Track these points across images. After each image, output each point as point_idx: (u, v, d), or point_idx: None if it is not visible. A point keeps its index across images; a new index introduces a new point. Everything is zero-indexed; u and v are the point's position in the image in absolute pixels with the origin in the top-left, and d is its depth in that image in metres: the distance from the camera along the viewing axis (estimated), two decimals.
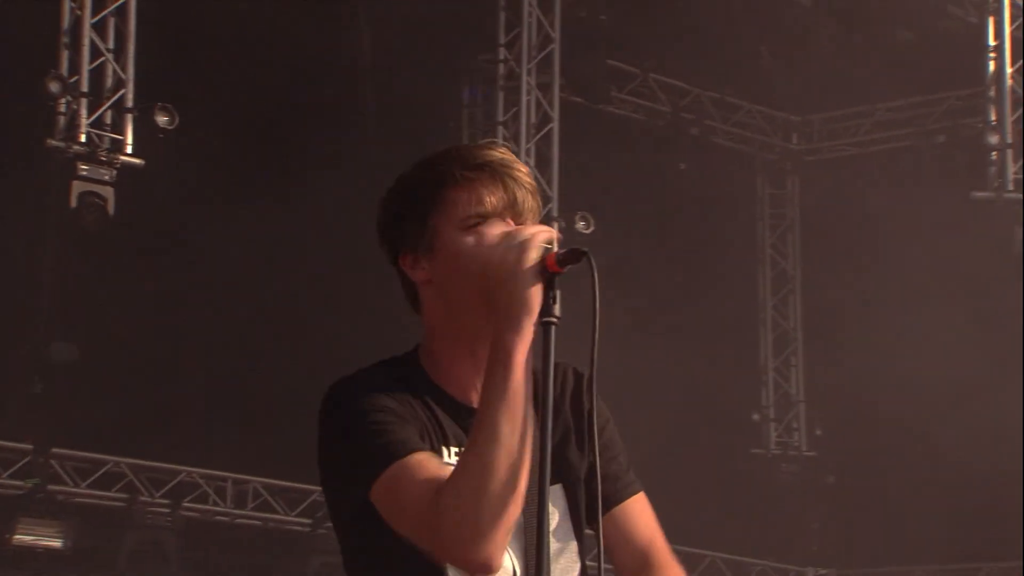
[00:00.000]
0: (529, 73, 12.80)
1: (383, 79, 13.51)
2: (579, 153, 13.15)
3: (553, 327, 2.44)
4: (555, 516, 2.59)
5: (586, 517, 2.61)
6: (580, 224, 12.13)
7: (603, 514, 2.47)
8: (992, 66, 12.72)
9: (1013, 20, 12.76)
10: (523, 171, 2.61)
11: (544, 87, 13.03)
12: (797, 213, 16.27)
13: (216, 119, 12.23)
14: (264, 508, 14.05)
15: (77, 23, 11.19)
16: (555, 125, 12.81)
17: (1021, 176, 12.22)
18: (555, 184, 12.50)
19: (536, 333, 2.43)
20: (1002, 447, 12.76)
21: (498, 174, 2.58)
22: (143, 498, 13.02)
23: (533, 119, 12.78)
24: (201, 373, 13.32)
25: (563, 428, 2.64)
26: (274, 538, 14.27)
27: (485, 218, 2.56)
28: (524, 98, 12.74)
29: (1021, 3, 12.90)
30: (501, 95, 13.00)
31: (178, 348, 13.22)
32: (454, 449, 2.55)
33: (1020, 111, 12.39)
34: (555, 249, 2.45)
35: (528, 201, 2.60)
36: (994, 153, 11.90)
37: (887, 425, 14.23)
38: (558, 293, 2.46)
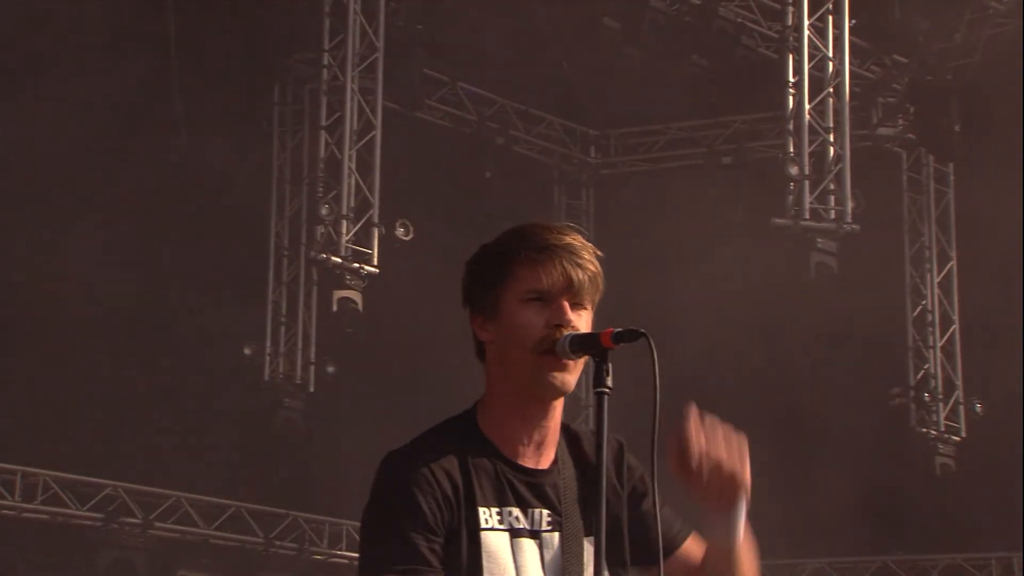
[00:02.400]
0: (353, 80, 12.97)
1: (195, 80, 13.50)
2: (397, 159, 13.39)
3: (606, 397, 2.77)
4: (588, 566, 2.91)
5: (631, 562, 2.94)
6: (400, 231, 12.41)
7: (664, 559, 2.82)
8: (792, 101, 13.43)
9: (811, 58, 13.48)
10: (587, 257, 2.92)
11: (366, 92, 13.23)
12: (592, 224, 16.82)
13: None
14: (54, 502, 13.91)
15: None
16: (378, 133, 13.03)
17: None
18: (376, 191, 12.72)
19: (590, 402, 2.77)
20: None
21: (559, 258, 2.89)
22: None
23: (355, 125, 12.96)
24: None
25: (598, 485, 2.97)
26: (64, 533, 14.13)
27: (541, 295, 2.87)
28: (348, 104, 12.92)
29: (820, 42, 13.63)
30: (324, 100, 13.14)
31: None
32: (494, 509, 2.85)
33: (815, 144, 13.12)
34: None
35: (586, 285, 2.90)
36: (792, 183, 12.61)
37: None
38: (610, 367, 2.79)
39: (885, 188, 15.78)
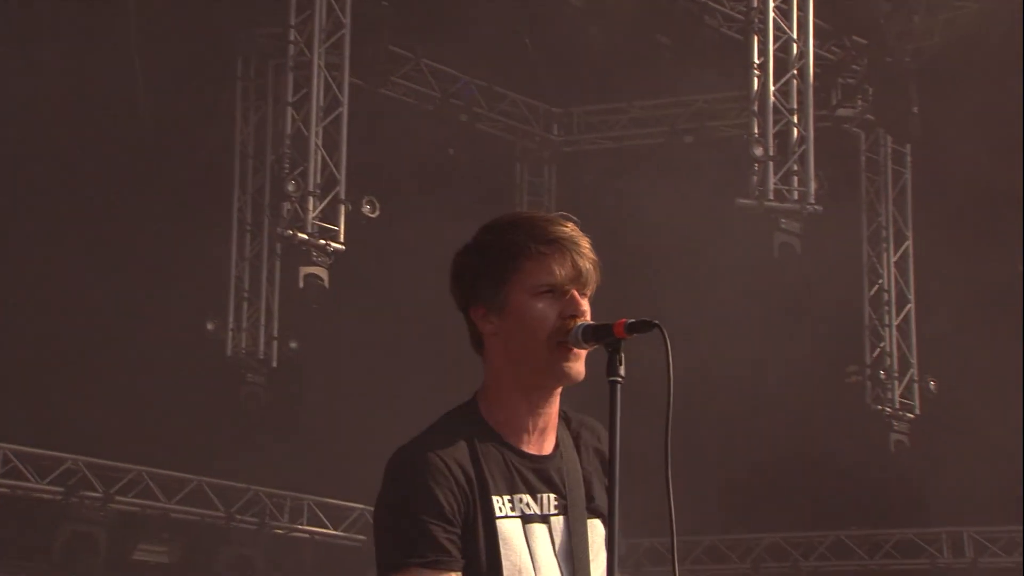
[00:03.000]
0: (320, 56, 12.96)
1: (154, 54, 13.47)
2: (363, 135, 13.41)
3: (619, 385, 2.85)
4: (599, 546, 2.99)
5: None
6: (366, 208, 12.43)
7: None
8: (756, 82, 13.53)
9: (776, 40, 13.59)
10: (587, 247, 2.99)
11: (333, 68, 13.22)
12: (553, 201, 16.90)
13: None
14: (14, 475, 13.88)
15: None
16: (344, 109, 13.03)
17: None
18: (343, 168, 12.73)
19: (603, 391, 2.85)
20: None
21: (567, 250, 2.95)
22: None
23: (322, 102, 12.95)
24: None
25: (595, 471, 3.06)
26: (24, 507, 14.10)
27: (553, 288, 2.94)
28: (315, 81, 12.92)
29: (786, 23, 13.72)
30: (291, 76, 13.13)
31: None
32: (506, 497, 2.93)
33: (780, 125, 13.23)
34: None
35: (591, 274, 2.98)
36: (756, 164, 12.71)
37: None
38: (623, 356, 2.87)
39: (844, 169, 15.94)
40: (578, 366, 2.94)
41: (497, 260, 2.95)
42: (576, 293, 2.94)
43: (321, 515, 15.36)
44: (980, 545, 16.07)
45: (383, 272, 13.89)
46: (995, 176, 15.61)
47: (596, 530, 3.00)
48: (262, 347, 14.94)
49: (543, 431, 3.00)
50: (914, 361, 16.28)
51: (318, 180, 12.71)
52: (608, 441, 2.86)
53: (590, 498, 3.00)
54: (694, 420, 14.18)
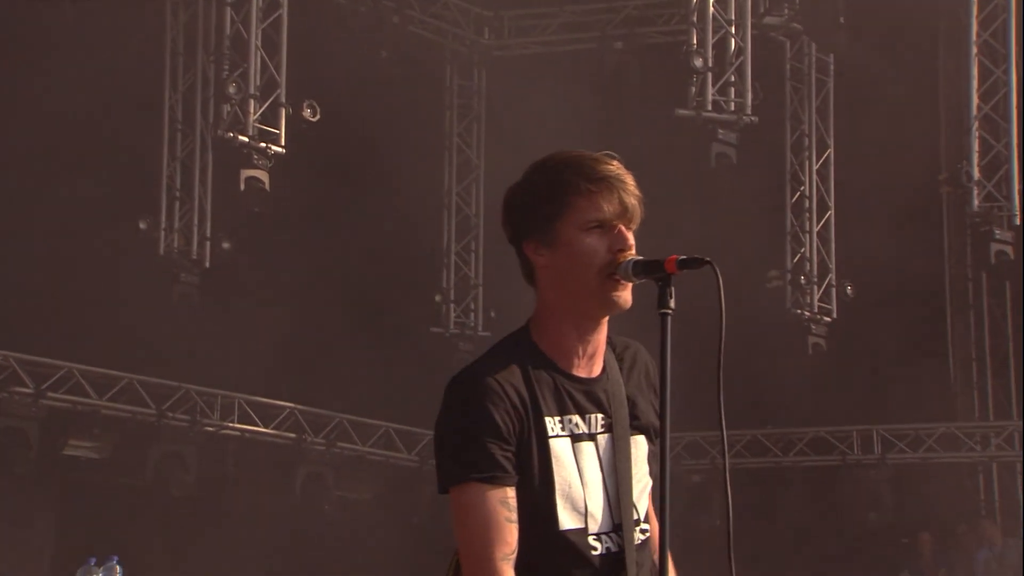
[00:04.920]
0: None
1: None
2: (300, 37, 13.37)
3: (669, 317, 3.09)
4: (642, 461, 3.24)
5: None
6: (307, 112, 12.46)
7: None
8: None
9: None
10: (632, 184, 3.20)
11: None
12: (483, 105, 16.97)
13: None
14: None
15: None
16: (284, 11, 12.98)
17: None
18: (283, 70, 12.72)
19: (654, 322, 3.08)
20: None
21: (615, 187, 3.16)
22: None
23: (261, 3, 12.89)
24: None
25: (639, 390, 3.30)
26: None
27: (602, 223, 3.15)
28: None
29: None
30: None
31: None
32: (556, 418, 3.17)
33: (719, 36, 13.38)
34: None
35: (636, 209, 3.20)
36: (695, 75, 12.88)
37: None
38: (673, 290, 3.10)
39: (769, 78, 16.15)
40: (625, 295, 3.17)
41: (548, 197, 3.16)
42: (623, 228, 3.16)
43: (251, 413, 15.52)
44: (888, 442, 16.70)
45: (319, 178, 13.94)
46: (914, 87, 15.98)
47: (639, 445, 3.26)
48: (195, 247, 14.95)
49: (591, 356, 3.23)
50: (832, 267, 16.70)
51: (258, 83, 12.70)
52: (658, 368, 3.12)
53: (634, 416, 3.24)
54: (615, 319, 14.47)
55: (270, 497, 15.49)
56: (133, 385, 14.78)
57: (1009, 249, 14.76)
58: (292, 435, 15.54)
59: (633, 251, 3.19)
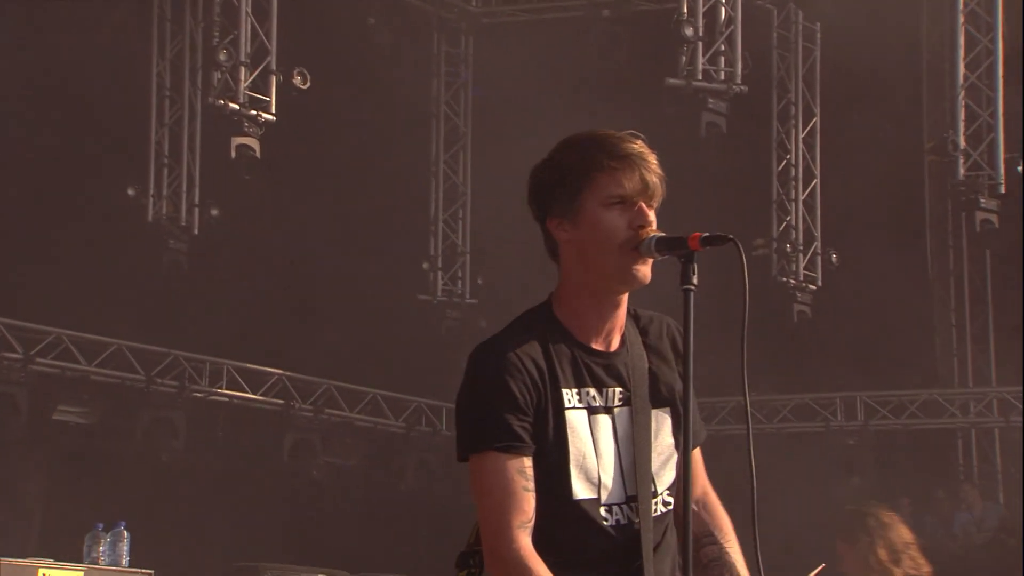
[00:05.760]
0: None
1: None
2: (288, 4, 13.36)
3: (692, 293, 3.17)
4: (664, 434, 3.33)
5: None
6: (297, 79, 12.47)
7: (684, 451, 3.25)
8: None
9: None
10: (654, 162, 3.29)
11: None
12: (470, 73, 16.97)
13: None
14: None
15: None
16: None
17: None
18: (274, 38, 12.73)
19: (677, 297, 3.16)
20: None
21: (636, 165, 3.25)
22: None
23: None
24: None
25: (664, 362, 3.38)
26: None
27: (623, 199, 3.23)
28: None
29: None
30: None
31: None
32: (574, 390, 3.24)
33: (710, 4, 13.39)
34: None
35: (658, 188, 3.28)
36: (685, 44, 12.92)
37: None
38: (696, 266, 3.19)
39: (756, 47, 16.19)
40: (645, 270, 3.26)
41: (572, 174, 3.26)
42: (644, 205, 3.26)
43: (240, 379, 15.58)
44: (871, 409, 16.87)
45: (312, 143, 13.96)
46: (900, 57, 16.07)
47: (659, 418, 3.34)
48: (184, 214, 14.97)
49: (611, 330, 3.32)
50: (818, 235, 16.81)
51: (248, 50, 12.70)
52: (682, 341, 3.20)
53: (656, 390, 3.33)
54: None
55: (258, 462, 15.59)
56: (122, 351, 14.80)
57: (994, 217, 14.89)
58: (280, 401, 15.60)
59: (654, 227, 3.28)
